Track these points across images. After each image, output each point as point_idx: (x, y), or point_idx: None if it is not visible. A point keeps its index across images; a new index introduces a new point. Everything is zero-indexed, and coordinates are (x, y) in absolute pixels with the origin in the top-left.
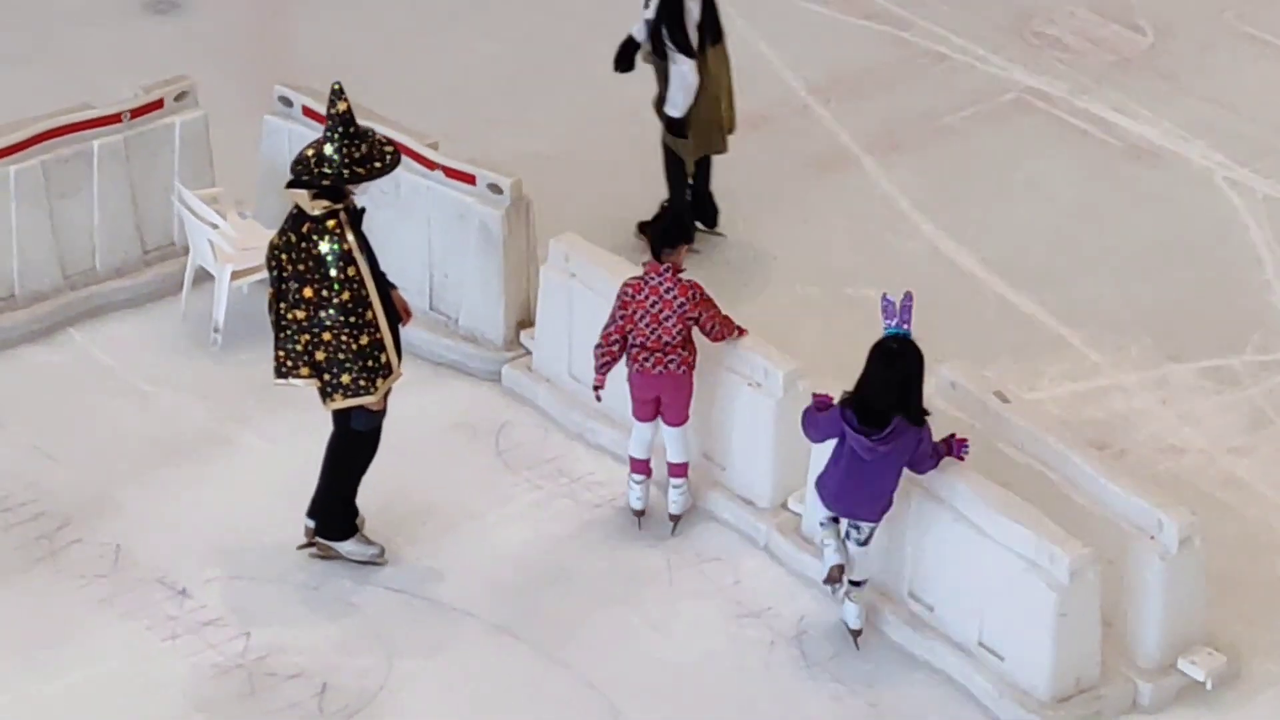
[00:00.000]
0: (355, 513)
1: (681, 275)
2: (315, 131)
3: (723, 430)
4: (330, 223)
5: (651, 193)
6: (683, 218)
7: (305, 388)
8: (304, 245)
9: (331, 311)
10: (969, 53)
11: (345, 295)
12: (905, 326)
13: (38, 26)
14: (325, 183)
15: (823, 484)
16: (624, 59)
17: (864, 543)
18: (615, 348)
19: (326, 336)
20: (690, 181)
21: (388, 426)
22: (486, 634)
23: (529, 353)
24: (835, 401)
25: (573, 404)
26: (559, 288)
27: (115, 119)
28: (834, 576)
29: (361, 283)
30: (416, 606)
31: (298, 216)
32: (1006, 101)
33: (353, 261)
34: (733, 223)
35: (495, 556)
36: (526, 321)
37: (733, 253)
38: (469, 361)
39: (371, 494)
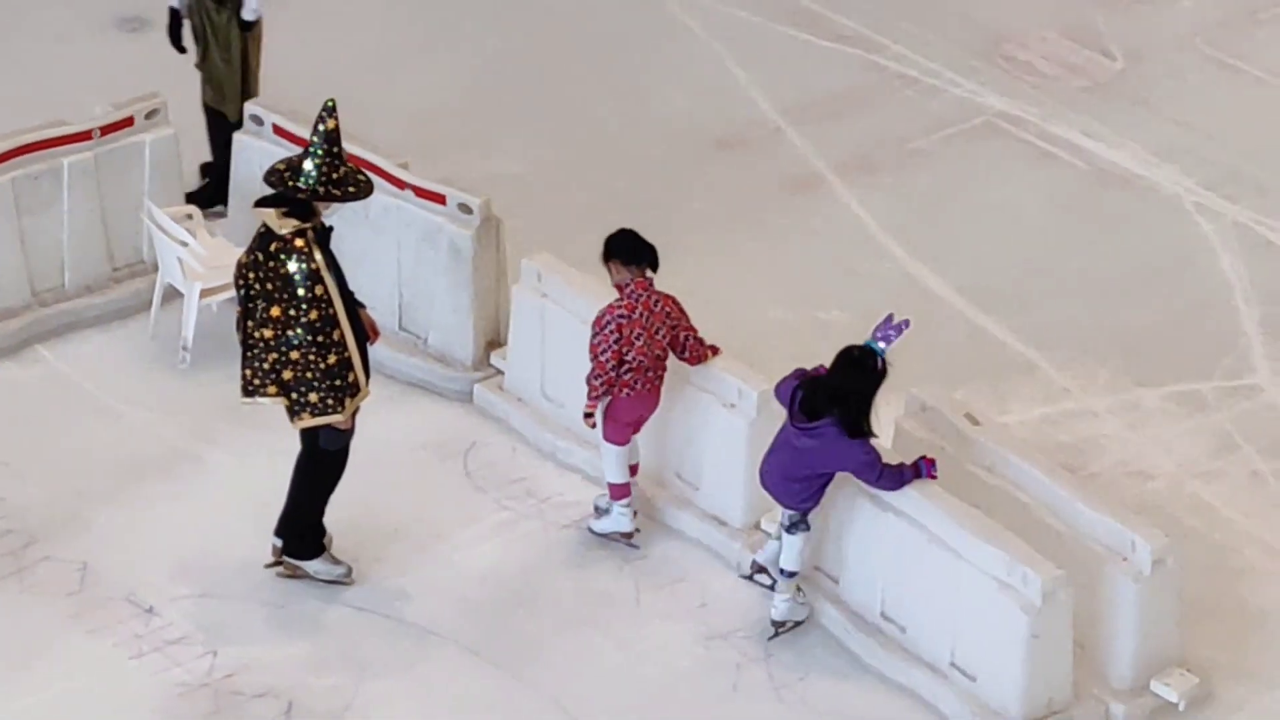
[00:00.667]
0: (323, 531)
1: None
2: (286, 150)
3: (695, 450)
4: (298, 241)
5: (621, 212)
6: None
7: (273, 406)
8: (271, 264)
9: (299, 331)
10: (940, 76)
11: (313, 314)
12: (881, 343)
13: (8, 43)
14: (300, 196)
15: (764, 458)
16: (174, 34)
17: (790, 529)
18: (613, 374)
19: (294, 355)
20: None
21: (356, 446)
22: (454, 654)
23: (499, 372)
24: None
25: (544, 424)
26: (531, 308)
27: (85, 136)
28: (752, 568)
29: (329, 302)
30: (384, 626)
31: (265, 235)
32: (977, 125)
33: (320, 280)
34: (703, 244)
35: (463, 576)
36: (496, 342)
37: (702, 274)
38: (438, 381)
39: (339, 513)
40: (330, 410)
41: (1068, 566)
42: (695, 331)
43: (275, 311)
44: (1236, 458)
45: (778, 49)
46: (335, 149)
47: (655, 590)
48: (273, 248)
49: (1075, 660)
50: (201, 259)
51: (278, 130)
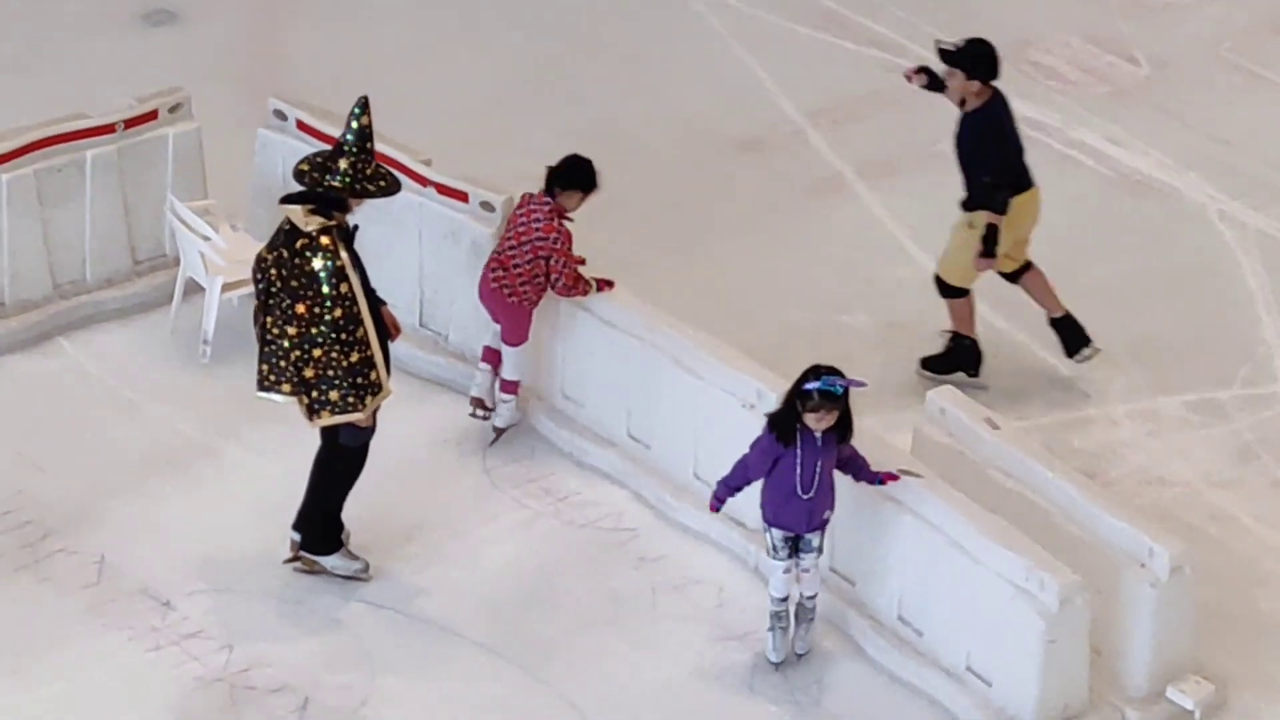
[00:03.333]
0: (341, 527)
1: (561, 220)
2: (309, 146)
3: (712, 450)
4: (324, 239)
5: (643, 212)
6: (589, 165)
7: (285, 403)
8: (296, 261)
9: (323, 328)
10: None
11: (337, 312)
12: (832, 380)
13: (34, 35)
14: (335, 193)
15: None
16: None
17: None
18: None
19: (316, 353)
20: None
21: (376, 442)
22: (470, 652)
23: None
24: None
25: (563, 423)
26: (553, 307)
27: (109, 129)
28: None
29: (354, 300)
30: (400, 623)
31: (290, 232)
32: None
33: (345, 278)
34: (725, 245)
35: (480, 575)
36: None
37: (723, 275)
38: (458, 379)
39: (358, 509)
40: (351, 408)
41: (1085, 572)
42: (571, 270)
43: (300, 309)
44: (1255, 467)
45: (801, 51)
46: (368, 145)
47: (671, 591)
48: (298, 245)
49: (1091, 666)
50: (223, 253)
51: (301, 126)
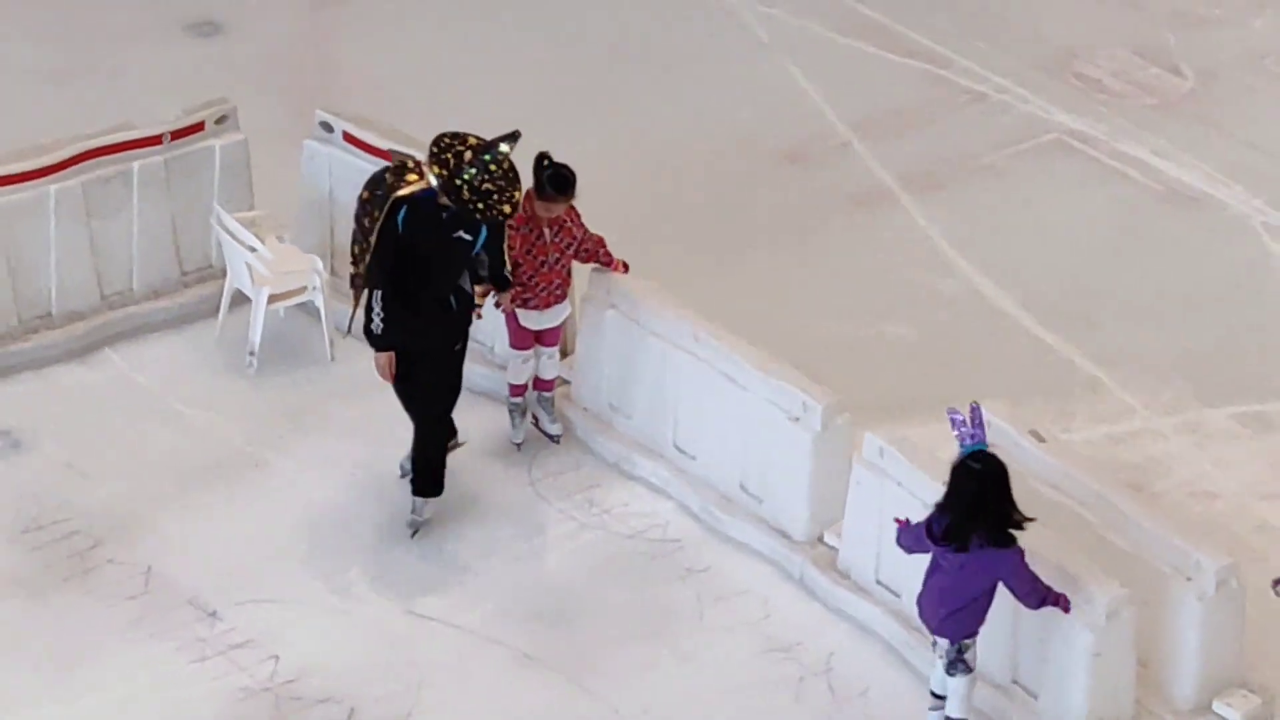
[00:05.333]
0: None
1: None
2: (356, 157)
3: (759, 462)
4: (400, 194)
5: (687, 223)
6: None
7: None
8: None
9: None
10: (1009, 92)
11: (364, 222)
12: (976, 441)
13: (79, 47)
14: (439, 182)
15: (919, 595)
16: None
17: (950, 669)
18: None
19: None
20: None
21: None
22: (515, 662)
23: (565, 382)
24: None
25: (610, 434)
26: (599, 318)
27: (156, 140)
28: (934, 702)
29: (372, 230)
30: (446, 634)
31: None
32: (1046, 142)
33: (374, 233)
34: (769, 256)
35: (526, 585)
36: (563, 351)
37: (768, 286)
38: (503, 390)
39: (402, 521)
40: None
41: (1131, 585)
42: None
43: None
44: None
45: (847, 63)
46: (494, 169)
47: (717, 602)
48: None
49: (1138, 679)
50: (269, 264)
51: (348, 137)
